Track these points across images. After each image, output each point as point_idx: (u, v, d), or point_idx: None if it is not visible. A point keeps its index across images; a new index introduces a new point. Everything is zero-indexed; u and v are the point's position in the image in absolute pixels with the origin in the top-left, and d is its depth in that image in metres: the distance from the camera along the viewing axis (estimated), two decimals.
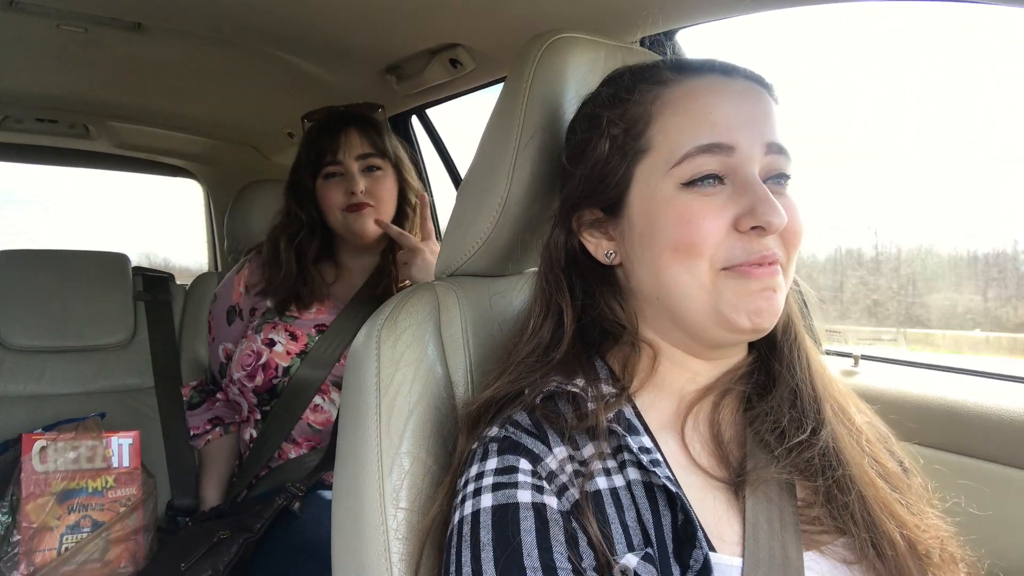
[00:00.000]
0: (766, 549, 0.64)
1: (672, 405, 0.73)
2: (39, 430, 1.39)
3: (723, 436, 0.71)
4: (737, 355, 0.76)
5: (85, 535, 1.35)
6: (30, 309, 1.65)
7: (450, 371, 0.85)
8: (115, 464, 1.40)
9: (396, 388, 0.81)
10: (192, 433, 1.64)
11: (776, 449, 0.68)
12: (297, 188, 1.53)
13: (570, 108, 0.85)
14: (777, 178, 0.70)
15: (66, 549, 1.33)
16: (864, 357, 1.31)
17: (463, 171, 1.97)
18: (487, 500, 0.63)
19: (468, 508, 0.64)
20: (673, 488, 0.63)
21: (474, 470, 0.66)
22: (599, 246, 0.76)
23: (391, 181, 1.54)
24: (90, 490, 1.38)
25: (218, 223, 2.60)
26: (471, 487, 0.65)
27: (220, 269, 2.51)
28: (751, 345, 0.77)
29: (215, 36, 1.65)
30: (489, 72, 1.63)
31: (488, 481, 0.64)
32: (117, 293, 1.76)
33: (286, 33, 1.62)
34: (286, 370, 1.47)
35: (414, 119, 2.00)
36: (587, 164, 0.75)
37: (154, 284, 1.82)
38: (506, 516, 0.62)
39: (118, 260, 1.82)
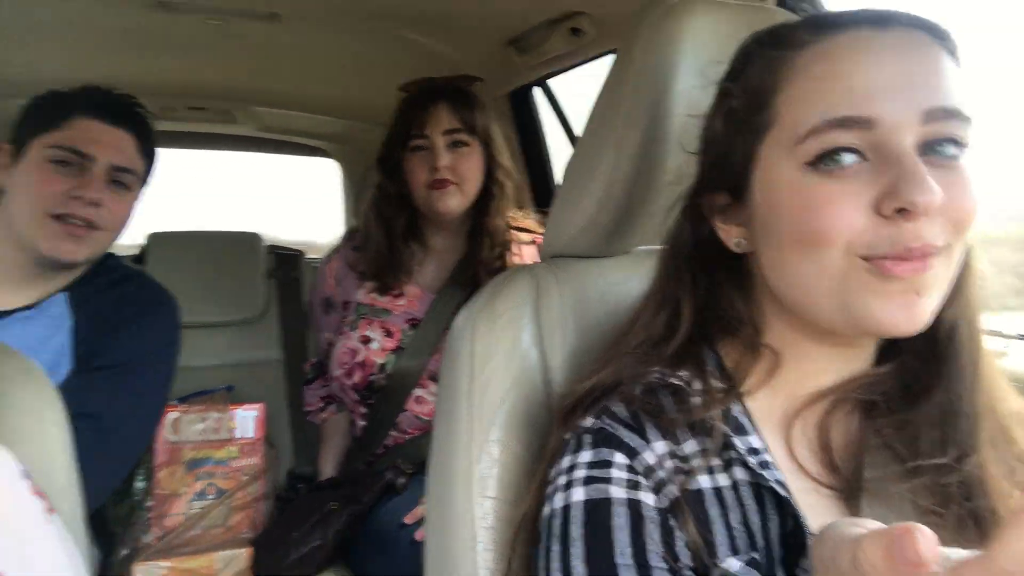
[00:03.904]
0: None
1: (782, 405, 0.65)
2: (174, 402, 1.48)
3: (833, 443, 0.63)
4: (869, 354, 0.65)
5: (210, 502, 1.43)
6: (175, 287, 1.76)
7: (547, 358, 0.82)
8: (239, 435, 1.47)
9: (488, 375, 0.79)
10: (307, 409, 1.70)
11: (906, 462, 0.60)
12: (387, 161, 1.53)
13: (684, 80, 0.77)
14: (941, 145, 0.56)
15: (193, 514, 1.41)
16: (1021, 337, 1.13)
17: None
18: (578, 494, 0.60)
19: (559, 502, 0.61)
20: (783, 492, 0.58)
21: (566, 462, 0.63)
22: (729, 233, 0.67)
23: (477, 159, 1.49)
24: (215, 459, 1.45)
25: (353, 200, 2.70)
26: (562, 480, 0.62)
27: None
28: (896, 350, 0.66)
29: (345, 20, 1.70)
30: (611, 39, 1.56)
31: (580, 474, 0.61)
32: (251, 271, 1.86)
33: (411, 13, 1.64)
34: (382, 367, 1.47)
35: (536, 91, 1.97)
36: (707, 144, 0.67)
37: (285, 261, 1.90)
38: (598, 511, 0.59)
39: (252, 239, 1.91)
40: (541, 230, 1.60)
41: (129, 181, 1.23)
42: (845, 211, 0.55)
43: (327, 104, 2.40)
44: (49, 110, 1.21)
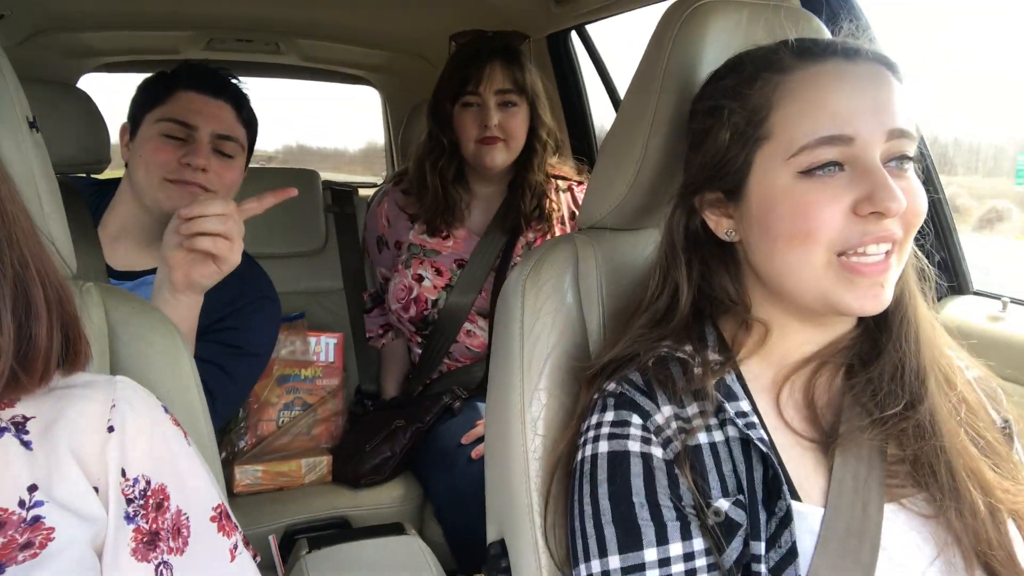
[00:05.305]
0: (848, 502, 0.72)
1: (772, 371, 0.80)
2: None
3: (817, 401, 0.78)
4: (846, 325, 0.80)
5: (297, 413, 1.66)
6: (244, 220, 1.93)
7: (585, 319, 0.95)
8: (321, 359, 1.70)
9: (537, 334, 0.93)
10: (368, 335, 1.89)
11: (872, 415, 0.74)
12: (437, 112, 1.64)
13: (705, 79, 0.87)
14: (899, 160, 0.72)
15: (283, 423, 1.65)
16: (1015, 302, 1.27)
17: (623, 90, 2.01)
18: (603, 447, 0.75)
19: (588, 451, 0.77)
20: (764, 448, 0.72)
21: (594, 419, 0.78)
22: (720, 224, 0.80)
23: (524, 117, 1.61)
24: (302, 377, 1.69)
25: (395, 131, 2.81)
26: (591, 433, 0.78)
27: None
28: (860, 318, 0.81)
29: None
30: None
31: (605, 431, 0.76)
32: (310, 206, 2.01)
33: None
34: (434, 302, 1.65)
35: (573, 36, 2.03)
36: (708, 152, 0.78)
37: (341, 198, 2.05)
38: (618, 461, 0.74)
39: (311, 176, 2.06)
40: (577, 177, 1.73)
41: (231, 149, 1.35)
42: (830, 212, 0.70)
43: (368, 36, 2.48)
44: (155, 88, 1.35)
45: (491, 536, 0.98)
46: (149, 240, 1.35)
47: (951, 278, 1.39)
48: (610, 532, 0.72)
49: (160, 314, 0.92)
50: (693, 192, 0.82)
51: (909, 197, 0.70)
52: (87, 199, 1.40)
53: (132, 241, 1.36)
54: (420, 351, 1.73)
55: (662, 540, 0.71)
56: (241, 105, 1.38)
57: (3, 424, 0.65)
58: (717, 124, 0.77)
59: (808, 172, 0.71)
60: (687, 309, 0.81)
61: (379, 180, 2.65)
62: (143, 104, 1.34)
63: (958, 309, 1.36)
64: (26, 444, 0.65)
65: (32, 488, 0.63)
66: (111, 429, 0.67)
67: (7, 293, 0.62)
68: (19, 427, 0.66)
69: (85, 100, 1.67)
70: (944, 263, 1.38)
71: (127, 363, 0.85)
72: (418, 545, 1.19)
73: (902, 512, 0.74)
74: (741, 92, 0.76)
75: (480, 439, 1.48)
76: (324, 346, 1.71)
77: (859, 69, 0.72)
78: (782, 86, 0.74)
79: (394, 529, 1.22)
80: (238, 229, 1.12)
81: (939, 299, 1.36)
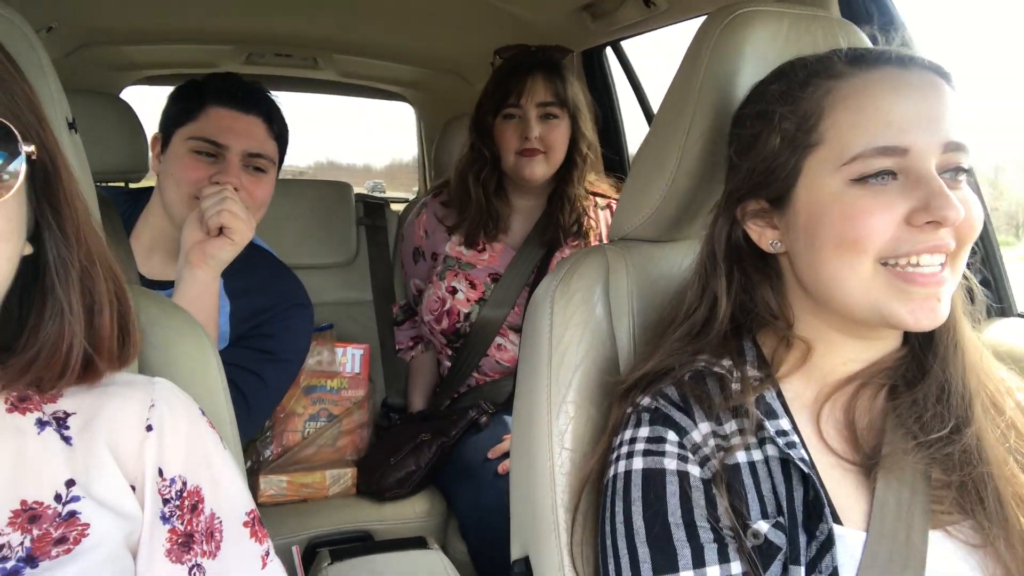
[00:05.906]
0: (891, 527, 0.69)
1: (814, 390, 0.77)
2: None
3: (858, 422, 0.75)
4: (891, 343, 0.77)
5: (322, 424, 1.66)
6: (275, 231, 1.94)
7: (615, 331, 0.94)
8: (348, 370, 1.70)
9: (566, 345, 0.92)
10: (398, 348, 1.89)
11: (917, 438, 0.71)
12: (480, 124, 1.64)
13: (744, 89, 0.86)
14: (954, 172, 0.70)
15: (308, 434, 1.64)
16: None
17: (656, 105, 1.99)
18: (638, 463, 0.73)
19: (622, 467, 0.74)
20: (806, 469, 0.69)
21: (628, 434, 0.76)
22: (763, 235, 0.78)
23: (565, 129, 1.61)
24: (328, 388, 1.69)
25: (428, 147, 2.83)
26: (625, 449, 0.75)
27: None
28: (906, 337, 0.78)
29: None
30: (683, 10, 1.62)
31: (639, 447, 0.74)
32: (342, 219, 2.02)
33: None
34: (467, 315, 1.64)
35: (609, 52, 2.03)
36: (756, 158, 0.76)
37: (373, 210, 2.06)
38: (654, 479, 0.72)
39: (343, 189, 2.08)
40: (616, 195, 1.71)
41: (262, 164, 1.34)
42: (881, 221, 0.68)
43: (404, 54, 2.51)
44: (185, 102, 1.33)
45: (515, 553, 0.95)
46: (178, 251, 1.33)
47: (996, 299, 1.34)
48: (644, 552, 0.70)
49: (188, 316, 0.92)
50: (737, 201, 0.79)
51: (965, 208, 0.67)
52: (119, 208, 1.41)
53: (164, 252, 1.37)
54: (450, 364, 1.72)
55: (699, 563, 0.68)
56: (272, 119, 1.36)
57: (46, 418, 0.66)
58: (767, 129, 0.76)
59: (860, 180, 0.69)
60: (725, 322, 0.78)
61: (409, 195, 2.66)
62: (174, 119, 1.34)
63: (1003, 332, 1.31)
64: (66, 439, 0.65)
65: (70, 483, 0.63)
66: (149, 428, 0.68)
67: (76, 284, 0.63)
68: (60, 422, 0.66)
69: (127, 111, 1.71)
70: (988, 283, 1.33)
71: (155, 365, 0.85)
72: (440, 560, 1.17)
73: (948, 540, 0.70)
74: (792, 97, 0.74)
75: (507, 454, 1.46)
76: (350, 357, 1.71)
77: (912, 77, 0.70)
78: (834, 91, 0.72)
79: (417, 543, 1.20)
80: (241, 205, 1.23)
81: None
